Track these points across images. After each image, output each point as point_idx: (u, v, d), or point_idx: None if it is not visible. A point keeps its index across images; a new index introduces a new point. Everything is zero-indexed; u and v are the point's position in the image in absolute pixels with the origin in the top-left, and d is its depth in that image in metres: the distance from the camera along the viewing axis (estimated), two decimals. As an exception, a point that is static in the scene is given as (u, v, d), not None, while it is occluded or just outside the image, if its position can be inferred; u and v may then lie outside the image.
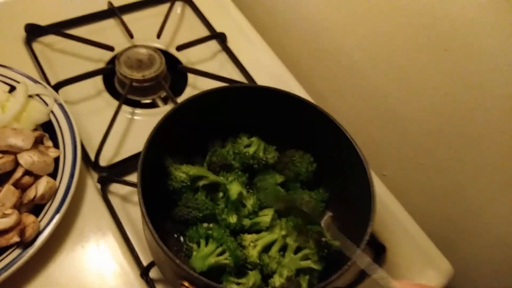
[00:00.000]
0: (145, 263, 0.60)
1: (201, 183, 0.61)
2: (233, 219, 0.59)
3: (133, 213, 0.65)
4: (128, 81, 0.75)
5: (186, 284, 0.46)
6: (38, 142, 0.62)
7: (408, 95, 0.74)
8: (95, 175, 0.67)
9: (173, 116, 0.56)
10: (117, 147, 0.71)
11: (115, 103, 0.76)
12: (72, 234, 0.62)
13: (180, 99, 0.78)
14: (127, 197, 0.67)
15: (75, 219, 0.63)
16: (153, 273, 0.60)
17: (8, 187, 0.57)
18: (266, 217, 0.59)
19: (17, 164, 0.59)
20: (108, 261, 0.61)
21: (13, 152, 0.59)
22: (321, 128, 0.62)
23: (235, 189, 0.59)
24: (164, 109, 0.78)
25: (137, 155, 0.69)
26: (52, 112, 0.66)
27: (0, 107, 0.63)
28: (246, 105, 0.63)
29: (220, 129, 0.65)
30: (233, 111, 0.63)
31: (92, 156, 0.67)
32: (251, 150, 0.64)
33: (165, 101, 0.81)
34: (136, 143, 0.71)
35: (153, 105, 0.81)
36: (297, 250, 0.57)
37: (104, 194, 0.65)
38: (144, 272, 0.60)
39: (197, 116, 0.61)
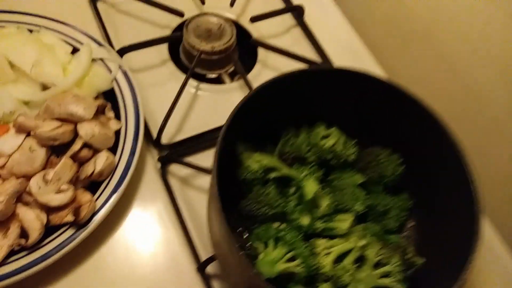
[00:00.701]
0: (203, 257, 0.54)
1: (272, 175, 0.54)
2: (305, 220, 0.52)
3: (193, 199, 0.60)
4: (196, 52, 0.69)
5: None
6: (99, 112, 0.57)
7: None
8: (155, 154, 0.62)
9: (255, 98, 0.49)
10: (180, 124, 0.65)
11: (180, 74, 0.70)
12: (127, 217, 0.57)
13: (250, 76, 0.71)
14: (187, 180, 0.62)
15: (131, 200, 0.58)
16: (210, 268, 0.55)
17: (66, 160, 0.52)
18: (343, 223, 0.52)
19: (76, 135, 0.54)
20: (162, 250, 0.56)
21: (72, 121, 0.54)
22: (414, 124, 0.53)
23: (311, 187, 0.52)
24: (231, 86, 0.71)
25: (201, 135, 0.64)
26: (115, 80, 0.61)
27: (61, 70, 0.58)
28: (327, 90, 0.55)
29: (295, 115, 0.58)
30: (312, 96, 0.56)
31: (154, 133, 0.61)
32: (329, 142, 0.56)
33: (232, 76, 0.75)
34: (200, 121, 0.65)
35: (218, 80, 0.74)
36: (376, 265, 0.50)
37: (164, 176, 0.60)
38: (201, 267, 0.54)
39: (274, 99, 0.54)
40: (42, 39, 0.60)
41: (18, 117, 0.53)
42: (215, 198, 0.41)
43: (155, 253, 0.56)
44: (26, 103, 0.57)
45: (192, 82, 0.69)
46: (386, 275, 0.49)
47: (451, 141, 0.49)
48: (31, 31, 0.62)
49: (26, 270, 0.48)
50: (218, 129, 0.64)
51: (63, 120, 0.54)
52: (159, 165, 0.61)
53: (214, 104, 0.69)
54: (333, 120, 0.58)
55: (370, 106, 0.56)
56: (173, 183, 0.60)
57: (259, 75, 0.72)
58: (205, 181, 0.62)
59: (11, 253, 0.49)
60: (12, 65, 0.57)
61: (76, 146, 0.53)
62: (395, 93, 0.53)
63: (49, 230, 0.51)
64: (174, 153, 0.61)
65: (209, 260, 0.54)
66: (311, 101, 0.57)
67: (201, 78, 0.72)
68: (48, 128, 0.52)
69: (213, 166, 0.43)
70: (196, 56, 0.68)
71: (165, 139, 0.62)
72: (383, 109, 0.55)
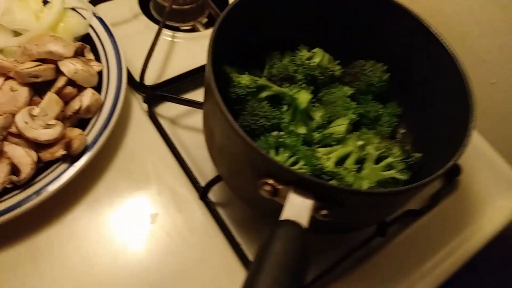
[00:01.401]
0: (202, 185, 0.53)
1: (263, 94, 0.54)
2: (302, 130, 0.52)
3: (181, 137, 0.59)
4: (167, 3, 0.68)
5: (270, 182, 0.39)
6: (78, 54, 0.55)
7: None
8: (140, 98, 0.61)
9: (236, 9, 0.49)
10: (160, 69, 0.65)
11: (154, 26, 0.69)
12: (119, 156, 0.56)
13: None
14: (175, 120, 0.61)
15: (121, 140, 0.57)
16: (212, 196, 0.54)
17: (51, 95, 0.50)
18: (340, 127, 0.53)
19: (58, 74, 0.53)
20: (160, 183, 0.55)
21: (53, 60, 0.52)
22: (394, 30, 0.54)
23: (303, 97, 0.53)
24: (207, 33, 0.71)
25: (182, 76, 0.63)
26: (91, 26, 0.60)
27: (34, 17, 0.56)
28: (306, 8, 0.56)
29: (275, 41, 0.58)
30: (293, 15, 0.56)
31: (137, 77, 0.60)
32: (315, 60, 0.57)
33: (206, 27, 0.74)
34: (179, 65, 0.65)
35: (193, 31, 0.74)
36: (378, 160, 0.51)
37: (152, 115, 0.59)
38: (203, 193, 0.53)
39: (255, 17, 0.54)
40: (10, -11, 0.58)
41: (-6, 59, 0.51)
42: (215, 93, 0.41)
43: (151, 188, 0.54)
44: (0, 50, 0.54)
45: (167, 32, 0.69)
46: (388, 167, 0.50)
47: (439, 43, 0.50)
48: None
49: (20, 206, 0.45)
50: (198, 69, 0.64)
51: (43, 60, 0.52)
52: (146, 107, 0.60)
53: (191, 50, 0.68)
54: (314, 43, 0.59)
55: (351, 21, 0.57)
56: (162, 123, 0.59)
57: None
58: (192, 119, 0.61)
59: (4, 191, 0.46)
60: (-19, 15, 0.55)
61: (60, 82, 0.51)
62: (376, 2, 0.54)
63: (41, 169, 0.49)
64: (159, 92, 0.60)
65: (208, 185, 0.53)
66: (291, 22, 0.57)
67: (176, 30, 0.71)
68: (28, 65, 0.50)
69: (207, 61, 0.43)
70: (168, 6, 0.67)
71: (148, 82, 0.61)
72: (364, 22, 0.56)
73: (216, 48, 0.45)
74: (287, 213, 0.37)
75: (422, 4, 0.75)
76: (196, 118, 0.62)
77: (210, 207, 0.53)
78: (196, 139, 0.59)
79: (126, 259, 0.49)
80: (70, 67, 0.52)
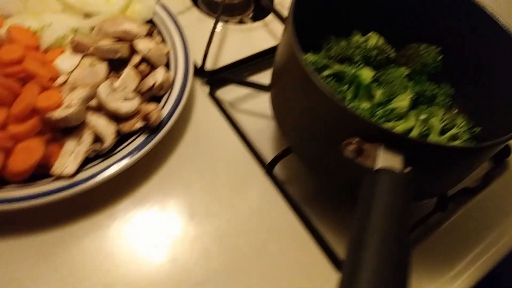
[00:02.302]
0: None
1: (325, 73, 0.56)
2: (366, 105, 0.54)
3: (242, 119, 0.61)
4: (220, -2, 0.72)
5: (356, 141, 0.41)
6: (148, 35, 0.58)
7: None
8: (199, 83, 0.63)
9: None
10: (215, 57, 0.67)
11: (205, 18, 0.72)
12: (187, 133, 0.58)
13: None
14: (233, 103, 0.63)
15: (187, 120, 0.59)
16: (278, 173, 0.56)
17: (129, 70, 0.52)
18: (403, 102, 0.55)
19: (131, 53, 0.55)
20: (226, 161, 0.56)
21: (127, 39, 0.55)
22: (446, 12, 0.57)
23: (367, 73, 0.55)
24: (255, 25, 0.74)
25: (238, 62, 0.66)
26: (155, 12, 0.62)
27: (105, 0, 0.59)
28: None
29: (330, 26, 0.61)
30: (345, 2, 0.59)
31: (197, 63, 0.63)
32: (371, 41, 0.60)
33: (254, 20, 0.77)
34: (231, 54, 0.68)
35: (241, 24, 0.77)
36: (442, 132, 0.53)
37: (214, 97, 0.61)
38: (269, 168, 0.55)
39: (311, 5, 0.56)
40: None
41: (74, 36, 0.53)
42: (293, 38, 0.43)
43: (220, 165, 0.56)
44: (74, 31, 0.57)
45: (218, 24, 0.72)
46: (453, 138, 0.52)
47: (493, 22, 0.52)
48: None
49: (102, 173, 0.47)
50: (251, 57, 0.66)
51: (118, 39, 0.54)
52: (206, 90, 0.62)
53: (242, 40, 0.71)
54: (366, 28, 0.62)
55: (402, 5, 0.60)
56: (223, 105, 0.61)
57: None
58: (250, 104, 0.63)
59: (86, 161, 0.48)
60: (56, -1, 0.57)
61: (135, 59, 0.54)
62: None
63: (119, 141, 0.50)
64: (220, 75, 0.63)
65: (277, 158, 0.55)
66: (346, 7, 0.60)
67: (225, 23, 0.74)
68: (108, 42, 0.53)
69: (291, 33, 0.45)
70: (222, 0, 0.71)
71: (207, 68, 0.64)
72: (416, 6, 0.59)
73: (296, 17, 0.47)
74: (381, 164, 0.38)
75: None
76: (252, 102, 0.64)
77: (277, 181, 0.55)
78: (253, 121, 0.61)
79: (195, 232, 0.50)
80: (144, 45, 0.54)
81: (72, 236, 0.47)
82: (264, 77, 0.66)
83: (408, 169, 0.41)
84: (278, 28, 0.74)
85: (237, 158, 0.57)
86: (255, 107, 0.63)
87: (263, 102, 0.63)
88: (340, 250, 0.51)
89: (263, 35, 0.73)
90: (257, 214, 0.52)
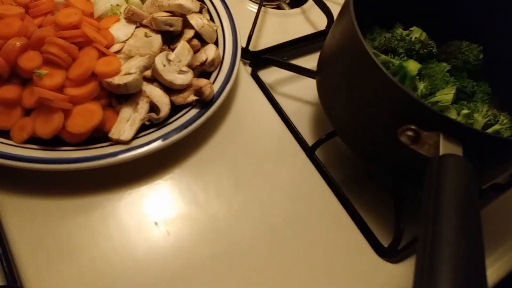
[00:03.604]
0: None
1: (371, 62, 0.57)
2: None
3: (282, 101, 0.62)
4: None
5: (414, 127, 0.42)
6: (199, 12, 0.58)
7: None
8: (242, 64, 0.64)
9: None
10: (256, 40, 0.68)
11: (246, 1, 0.73)
12: (231, 111, 0.58)
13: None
14: (274, 86, 0.64)
15: (232, 99, 0.59)
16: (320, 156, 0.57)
17: (183, 43, 0.53)
18: (447, 95, 0.56)
19: (184, 27, 0.55)
20: (268, 141, 0.57)
21: (180, 13, 0.55)
22: (486, 11, 0.59)
23: (413, 65, 0.56)
24: (292, 12, 0.75)
25: (280, 45, 0.66)
26: (203, -9, 0.63)
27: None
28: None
29: (374, 17, 0.62)
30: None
31: (243, 43, 0.63)
32: (415, 35, 0.61)
33: (290, 5, 0.78)
34: (272, 37, 0.69)
35: (278, 9, 0.78)
36: (484, 128, 0.54)
37: (257, 78, 0.62)
38: (311, 151, 0.56)
39: None
40: None
41: (130, 6, 0.53)
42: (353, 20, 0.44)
43: (261, 145, 0.56)
44: (127, 0, 0.57)
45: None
46: (496, 133, 0.53)
47: None
48: None
49: (156, 141, 0.47)
50: (291, 42, 0.67)
51: (171, 13, 0.55)
52: (249, 70, 0.63)
53: (280, 25, 0.72)
54: (408, 22, 0.64)
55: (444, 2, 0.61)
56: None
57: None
58: (290, 87, 0.64)
59: (142, 128, 0.48)
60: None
61: (189, 33, 0.54)
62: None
63: (171, 112, 0.51)
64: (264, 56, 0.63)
65: (319, 142, 0.56)
66: (391, 1, 0.61)
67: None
68: (164, 14, 0.53)
69: (352, 17, 0.46)
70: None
71: (251, 48, 0.64)
72: (458, 4, 0.61)
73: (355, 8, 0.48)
74: (445, 150, 0.39)
75: None
76: (292, 85, 0.65)
77: (318, 163, 0.56)
78: (293, 104, 0.62)
79: (235, 210, 0.51)
80: (198, 21, 0.54)
81: (110, 201, 0.47)
82: (302, 62, 0.67)
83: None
84: (315, 15, 0.75)
85: (279, 138, 0.58)
86: (294, 91, 0.64)
87: (302, 86, 0.64)
88: (380, 234, 0.52)
89: (300, 21, 0.74)
90: (298, 193, 0.53)
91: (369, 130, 0.49)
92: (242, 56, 0.64)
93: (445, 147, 0.40)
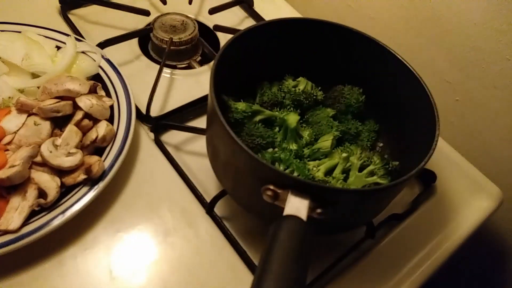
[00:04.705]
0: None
1: (257, 118, 0.62)
2: (294, 146, 0.60)
3: (186, 160, 0.66)
4: (165, 45, 0.77)
5: (271, 187, 0.46)
6: (92, 91, 0.62)
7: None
8: (146, 129, 0.68)
9: (230, 48, 0.57)
10: (162, 103, 0.72)
11: (154, 65, 0.77)
12: (132, 179, 0.62)
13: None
14: (178, 146, 0.68)
15: (133, 166, 0.63)
16: (219, 211, 0.61)
17: (71, 127, 0.57)
18: (326, 142, 0.60)
19: (75, 109, 0.59)
20: (171, 203, 0.61)
21: (70, 97, 0.59)
22: (368, 59, 0.63)
23: (293, 118, 0.60)
24: (201, 69, 0.80)
25: (183, 107, 0.71)
26: (100, 67, 0.67)
27: (50, 60, 0.63)
28: (291, 41, 0.64)
29: (264, 72, 0.66)
30: (276, 52, 0.64)
31: (143, 110, 0.68)
32: (300, 87, 0.66)
33: (201, 64, 0.83)
34: (178, 98, 0.73)
35: (189, 68, 0.82)
36: (361, 169, 0.58)
37: (158, 142, 0.66)
38: (209, 208, 0.60)
39: (245, 56, 0.61)
40: (29, 37, 0.65)
41: (19, 98, 0.57)
42: (215, 106, 0.48)
43: (165, 206, 0.60)
44: (21, 91, 0.61)
45: (166, 70, 0.77)
46: (371, 174, 0.57)
47: (407, 69, 0.58)
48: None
49: (47, 226, 0.51)
50: (196, 101, 0.71)
51: (61, 98, 0.59)
52: (152, 136, 0.67)
53: (188, 85, 0.76)
54: (297, 73, 0.68)
55: (328, 53, 0.66)
56: (167, 148, 0.66)
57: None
58: (193, 145, 0.68)
59: (33, 213, 0.52)
60: (3, 61, 0.62)
61: (78, 116, 0.58)
62: (352, 35, 0.62)
63: (64, 193, 0.54)
64: (164, 122, 0.67)
65: (216, 198, 0.59)
66: (277, 57, 0.66)
67: (173, 68, 0.79)
68: (50, 102, 0.57)
69: (210, 90, 0.50)
70: (168, 45, 0.76)
71: (153, 114, 0.68)
72: (341, 53, 0.65)
73: (216, 80, 0.52)
74: (288, 210, 0.43)
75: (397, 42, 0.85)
76: (196, 144, 0.68)
77: (216, 220, 0.59)
78: (198, 162, 0.66)
79: (144, 270, 0.54)
80: (86, 102, 0.59)
81: (21, 285, 0.50)
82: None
83: (318, 211, 0.46)
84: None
85: (181, 199, 0.61)
86: (201, 149, 0.68)
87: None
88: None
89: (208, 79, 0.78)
90: (200, 247, 0.57)
91: (243, 190, 0.53)
92: (144, 122, 0.68)
93: (292, 203, 0.44)
